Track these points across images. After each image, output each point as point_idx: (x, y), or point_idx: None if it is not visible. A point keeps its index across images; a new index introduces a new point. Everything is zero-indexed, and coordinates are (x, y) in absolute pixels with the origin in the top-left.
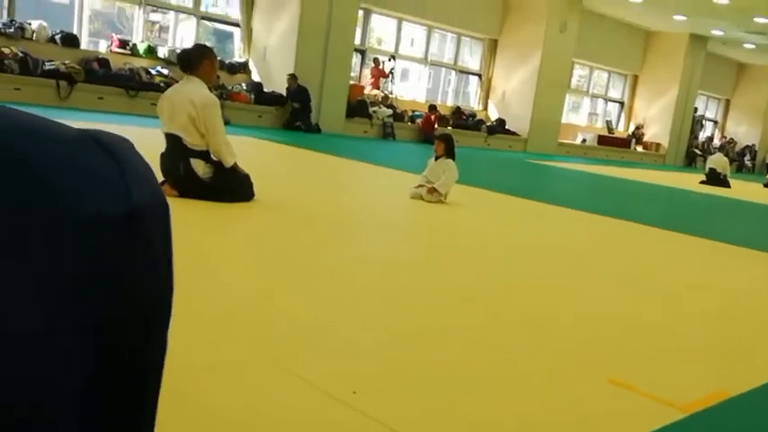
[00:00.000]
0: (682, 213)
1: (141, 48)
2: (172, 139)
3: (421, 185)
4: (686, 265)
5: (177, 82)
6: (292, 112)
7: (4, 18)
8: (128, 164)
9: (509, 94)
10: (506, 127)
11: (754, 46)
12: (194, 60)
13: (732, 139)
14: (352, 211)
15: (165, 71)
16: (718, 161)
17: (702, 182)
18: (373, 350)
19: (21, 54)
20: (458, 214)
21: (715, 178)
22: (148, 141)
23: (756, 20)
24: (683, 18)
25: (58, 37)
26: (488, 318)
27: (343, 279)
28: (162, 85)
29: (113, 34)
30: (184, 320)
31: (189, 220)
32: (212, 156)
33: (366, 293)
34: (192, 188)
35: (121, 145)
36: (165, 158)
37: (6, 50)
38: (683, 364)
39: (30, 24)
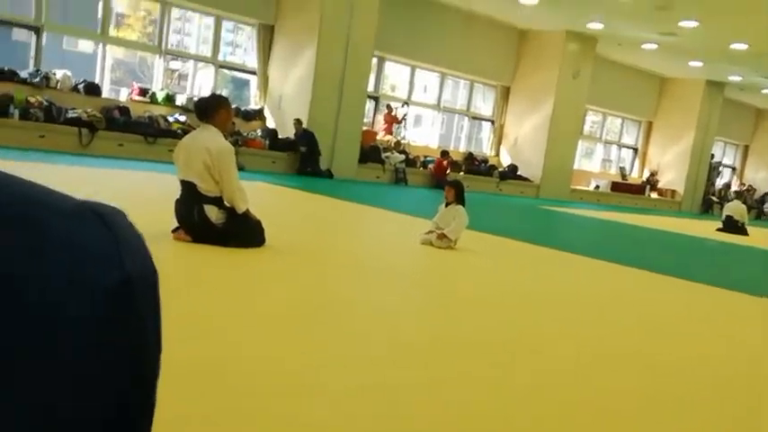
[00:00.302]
0: (697, 261)
1: (160, 96)
2: (187, 186)
3: (431, 231)
4: (698, 313)
5: (194, 128)
6: (301, 158)
7: (31, 68)
8: (122, 235)
9: (521, 139)
10: (518, 173)
11: None
12: (210, 109)
13: (751, 186)
14: (362, 257)
15: (183, 118)
16: (735, 208)
17: (719, 229)
18: (378, 401)
19: (46, 103)
20: (468, 261)
21: (732, 226)
22: (164, 187)
23: None
24: (700, 64)
25: (81, 86)
26: (498, 369)
27: (350, 327)
28: (179, 131)
29: (134, 82)
30: (184, 369)
31: (202, 264)
32: (225, 202)
33: (373, 342)
34: (206, 234)
35: (117, 216)
36: (180, 205)
37: (32, 99)
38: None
39: (54, 74)
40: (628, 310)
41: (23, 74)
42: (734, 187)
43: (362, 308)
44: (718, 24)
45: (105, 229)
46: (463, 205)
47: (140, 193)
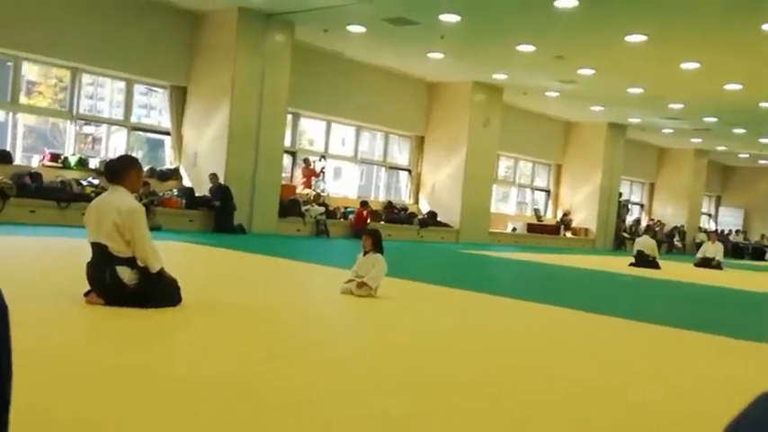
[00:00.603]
0: (615, 296)
1: (73, 160)
2: (98, 248)
3: (351, 280)
4: (639, 348)
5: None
6: (216, 213)
7: None
8: None
9: (438, 186)
10: (438, 219)
11: (672, 131)
12: (120, 171)
13: (659, 221)
14: (282, 311)
15: (96, 181)
16: (645, 243)
17: (631, 264)
18: None
19: None
20: (389, 308)
21: (644, 260)
22: (76, 250)
23: (671, 106)
24: (601, 108)
25: None
26: (415, 410)
27: (268, 381)
28: (93, 195)
29: (45, 148)
30: None
31: (115, 329)
32: (138, 262)
33: (291, 394)
34: (119, 295)
35: None
36: (92, 267)
37: None
38: None
39: None
40: (567, 348)
41: None
42: (643, 223)
43: (282, 361)
44: (613, 71)
45: None
46: (381, 253)
47: (52, 258)
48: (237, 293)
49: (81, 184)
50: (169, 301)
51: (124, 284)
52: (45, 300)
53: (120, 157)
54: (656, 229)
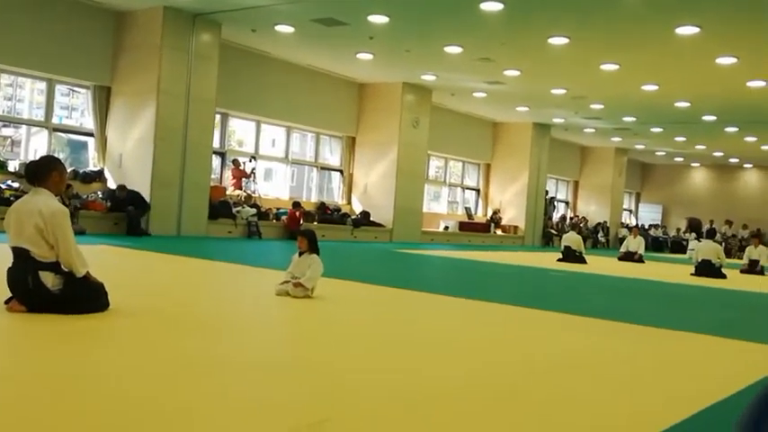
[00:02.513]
0: (542, 291)
1: None
2: (19, 253)
3: (286, 281)
4: (592, 345)
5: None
6: (129, 218)
7: None
8: None
9: (371, 187)
10: (371, 219)
11: (593, 130)
12: (42, 172)
13: (584, 217)
14: (214, 314)
15: (16, 185)
16: (572, 239)
17: (559, 259)
18: None
19: None
20: (327, 308)
21: (571, 255)
22: None
23: (592, 106)
24: (526, 108)
25: None
26: (367, 411)
27: (206, 386)
28: (12, 198)
29: None
30: None
31: (39, 336)
32: (63, 267)
33: (230, 399)
34: (42, 302)
35: None
36: (13, 273)
37: None
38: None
39: None
40: (470, 339)
41: None
42: (569, 219)
43: (216, 365)
44: (537, 72)
45: None
46: (317, 254)
47: None
48: (168, 298)
49: (0, 188)
50: (95, 306)
51: (48, 290)
52: None
53: (42, 158)
54: (581, 225)
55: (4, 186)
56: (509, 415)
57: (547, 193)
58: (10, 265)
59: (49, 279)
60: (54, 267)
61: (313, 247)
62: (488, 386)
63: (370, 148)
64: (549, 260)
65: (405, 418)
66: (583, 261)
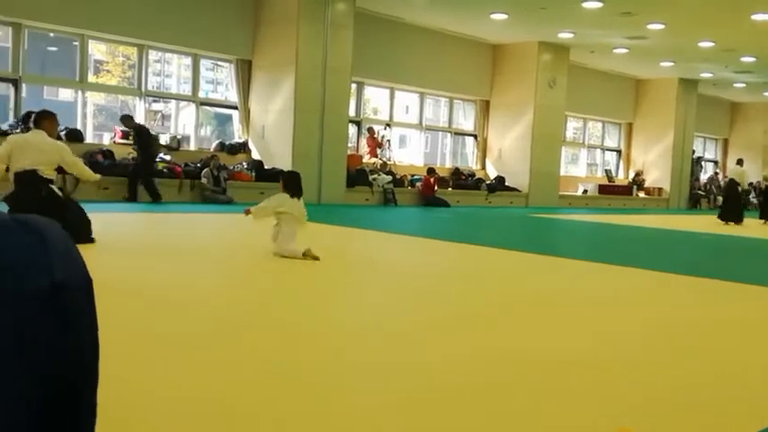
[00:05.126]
0: (698, 257)
1: None
2: (30, 174)
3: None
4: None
5: (179, 165)
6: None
7: (11, 120)
8: (53, 244)
9: (505, 151)
10: (506, 184)
11: (744, 85)
12: (40, 120)
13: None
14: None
15: (168, 157)
16: (737, 172)
17: (720, 215)
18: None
19: None
20: (469, 272)
21: (733, 192)
22: (154, 223)
23: (743, 59)
24: (671, 64)
25: (63, 133)
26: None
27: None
28: (164, 170)
29: (116, 126)
30: None
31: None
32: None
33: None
34: (53, 207)
35: (48, 227)
36: (26, 187)
37: None
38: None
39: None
40: (635, 308)
41: (4, 126)
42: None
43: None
44: (684, 25)
45: (35, 238)
46: (290, 193)
47: (123, 232)
48: (333, 260)
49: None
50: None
51: (57, 196)
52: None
53: (39, 111)
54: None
55: (157, 159)
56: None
57: (693, 152)
58: (12, 189)
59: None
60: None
61: (289, 188)
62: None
63: (505, 111)
64: (698, 223)
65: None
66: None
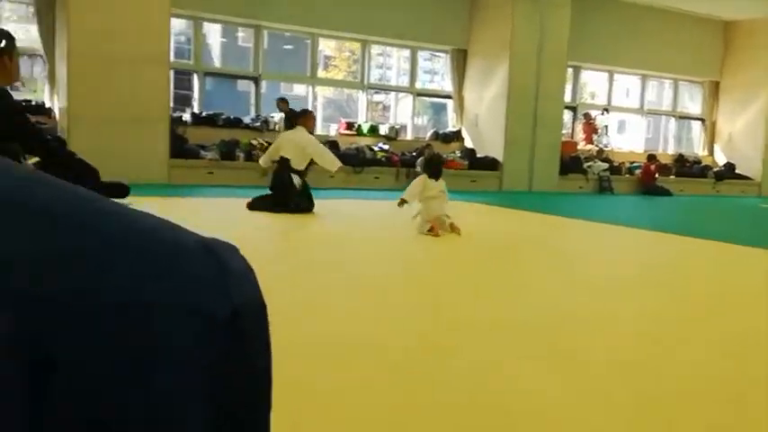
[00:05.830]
0: None
1: (365, 127)
2: (283, 162)
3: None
4: None
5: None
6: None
7: (252, 114)
8: (232, 270)
9: (736, 136)
10: (736, 171)
11: None
12: (297, 118)
13: None
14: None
15: (387, 146)
16: None
17: None
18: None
19: (266, 144)
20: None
21: None
22: (369, 211)
23: None
24: None
25: None
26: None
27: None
28: (383, 159)
29: (341, 118)
30: None
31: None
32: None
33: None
34: (289, 193)
35: (228, 252)
36: (280, 172)
37: (255, 142)
38: None
39: (273, 117)
40: None
41: (246, 120)
42: None
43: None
44: None
45: (216, 263)
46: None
47: (357, 217)
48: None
49: (372, 150)
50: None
51: (293, 185)
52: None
53: (300, 110)
54: None
55: (376, 149)
56: None
57: None
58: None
59: (296, 179)
60: (298, 173)
61: (429, 170)
62: None
63: (736, 93)
64: None
65: None
66: None
